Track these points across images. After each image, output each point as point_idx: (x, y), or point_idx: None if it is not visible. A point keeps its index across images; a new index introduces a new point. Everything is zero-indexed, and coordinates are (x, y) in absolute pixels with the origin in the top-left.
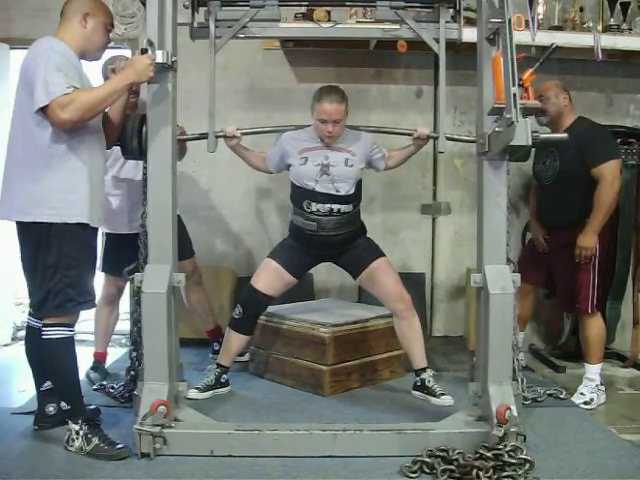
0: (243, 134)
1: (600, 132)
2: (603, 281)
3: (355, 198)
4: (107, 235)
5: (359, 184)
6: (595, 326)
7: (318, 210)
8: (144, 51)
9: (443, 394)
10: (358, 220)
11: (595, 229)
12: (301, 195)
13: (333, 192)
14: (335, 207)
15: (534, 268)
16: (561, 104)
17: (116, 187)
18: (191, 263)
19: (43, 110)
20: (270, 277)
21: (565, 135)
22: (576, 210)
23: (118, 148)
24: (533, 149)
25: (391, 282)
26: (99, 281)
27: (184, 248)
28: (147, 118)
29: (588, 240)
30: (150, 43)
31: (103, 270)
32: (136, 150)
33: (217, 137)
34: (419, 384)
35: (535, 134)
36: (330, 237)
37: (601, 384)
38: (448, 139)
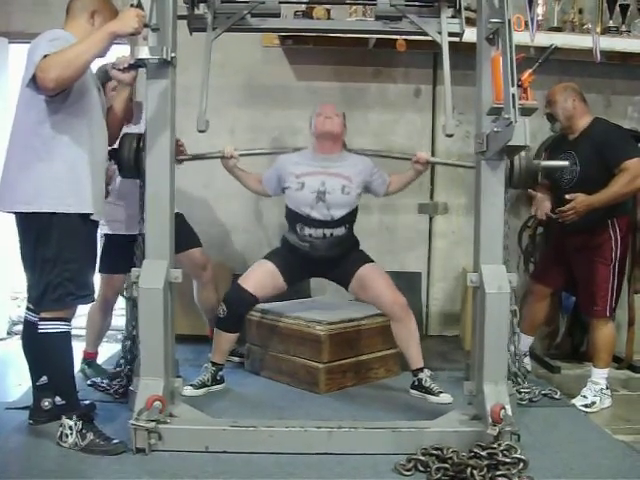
0: (241, 155)
1: (619, 132)
2: (620, 285)
3: (349, 220)
4: (106, 236)
5: (355, 208)
6: (607, 331)
7: (311, 235)
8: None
9: (441, 392)
10: (351, 239)
11: (595, 204)
12: (295, 218)
13: (328, 219)
14: (328, 232)
15: (553, 271)
16: (570, 107)
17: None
18: (200, 253)
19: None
20: (262, 277)
21: (566, 163)
22: (597, 214)
23: None
24: (546, 152)
25: (381, 286)
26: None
27: (191, 238)
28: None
29: (585, 204)
30: (139, 2)
31: (100, 271)
32: (133, 169)
33: (214, 158)
34: (417, 384)
35: (537, 162)
36: (323, 255)
37: (607, 388)
38: (439, 163)
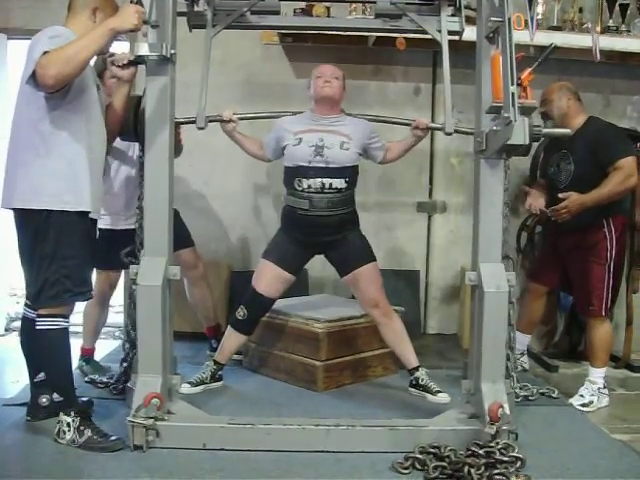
0: (240, 119)
1: (613, 131)
2: (616, 284)
3: (348, 174)
4: (100, 230)
5: (355, 166)
6: (603, 330)
7: (309, 187)
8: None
9: (439, 391)
10: (351, 204)
11: (588, 203)
12: (293, 174)
13: (323, 165)
14: (327, 181)
15: (549, 270)
16: (564, 106)
17: (114, 185)
18: (192, 253)
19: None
20: (269, 279)
21: (568, 130)
22: (591, 212)
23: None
24: (543, 152)
25: (371, 289)
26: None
27: (182, 238)
28: (145, 108)
29: (578, 203)
30: None
31: (95, 266)
32: (132, 131)
33: (213, 121)
34: (414, 382)
35: (537, 129)
36: (322, 218)
37: (604, 387)
38: (448, 134)
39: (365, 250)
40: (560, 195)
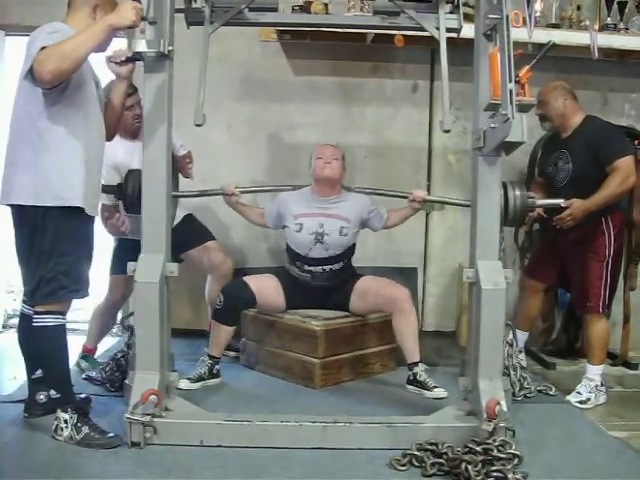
0: (242, 192)
1: (610, 130)
2: (614, 282)
3: (347, 256)
4: (120, 240)
5: (353, 244)
6: (600, 327)
7: (310, 271)
8: None
9: (436, 387)
10: (350, 269)
11: (591, 207)
12: (294, 257)
13: (325, 256)
14: (327, 267)
15: (546, 266)
16: (561, 107)
17: None
18: (219, 249)
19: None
20: (266, 285)
21: (561, 200)
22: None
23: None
24: (541, 151)
25: (380, 287)
26: (105, 285)
27: (203, 233)
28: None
29: (582, 209)
30: None
31: (111, 272)
32: (136, 205)
33: (215, 195)
34: (412, 378)
35: (532, 200)
36: (323, 284)
37: (601, 384)
38: (435, 202)
39: (353, 275)
40: (563, 204)
